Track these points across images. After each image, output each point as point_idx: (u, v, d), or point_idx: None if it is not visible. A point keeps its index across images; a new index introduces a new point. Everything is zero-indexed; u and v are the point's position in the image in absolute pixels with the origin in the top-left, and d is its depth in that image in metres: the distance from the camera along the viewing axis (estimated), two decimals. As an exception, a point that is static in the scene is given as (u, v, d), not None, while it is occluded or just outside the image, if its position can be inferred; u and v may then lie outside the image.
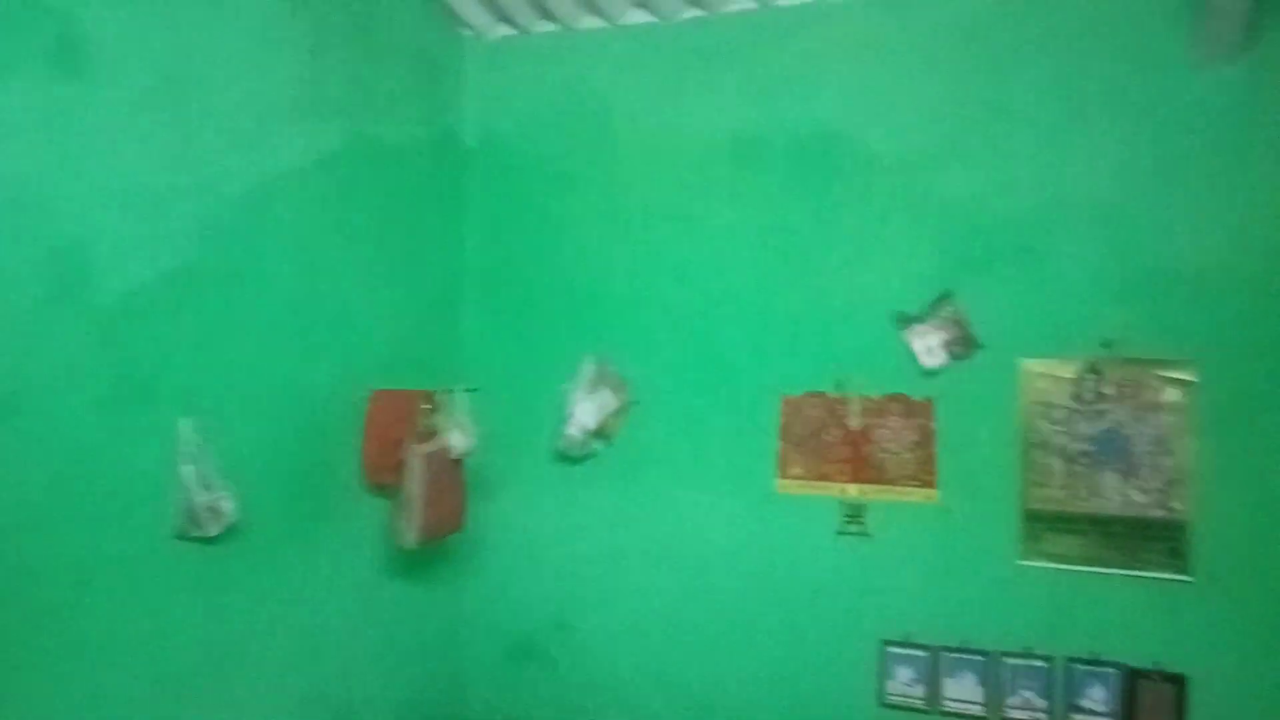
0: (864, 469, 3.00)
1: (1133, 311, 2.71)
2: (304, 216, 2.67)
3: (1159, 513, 2.70)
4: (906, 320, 2.95)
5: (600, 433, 3.24)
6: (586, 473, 3.31)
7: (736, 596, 3.14)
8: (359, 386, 2.85)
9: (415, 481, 2.83)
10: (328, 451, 2.76)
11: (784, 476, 3.09)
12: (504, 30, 3.43)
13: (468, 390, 3.09)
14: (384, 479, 2.87)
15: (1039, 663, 2.80)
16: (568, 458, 3.29)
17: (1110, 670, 2.75)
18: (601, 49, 3.31)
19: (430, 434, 2.95)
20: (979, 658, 2.86)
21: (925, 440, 2.94)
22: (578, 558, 3.33)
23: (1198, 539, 2.66)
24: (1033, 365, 2.82)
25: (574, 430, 3.21)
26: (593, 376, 3.22)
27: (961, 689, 2.86)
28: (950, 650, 2.89)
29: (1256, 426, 2.61)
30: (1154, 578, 2.70)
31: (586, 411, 3.20)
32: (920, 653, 2.91)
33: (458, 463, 3.01)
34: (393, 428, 2.88)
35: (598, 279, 3.31)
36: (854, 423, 3.02)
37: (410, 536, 2.85)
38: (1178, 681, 2.69)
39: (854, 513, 3.01)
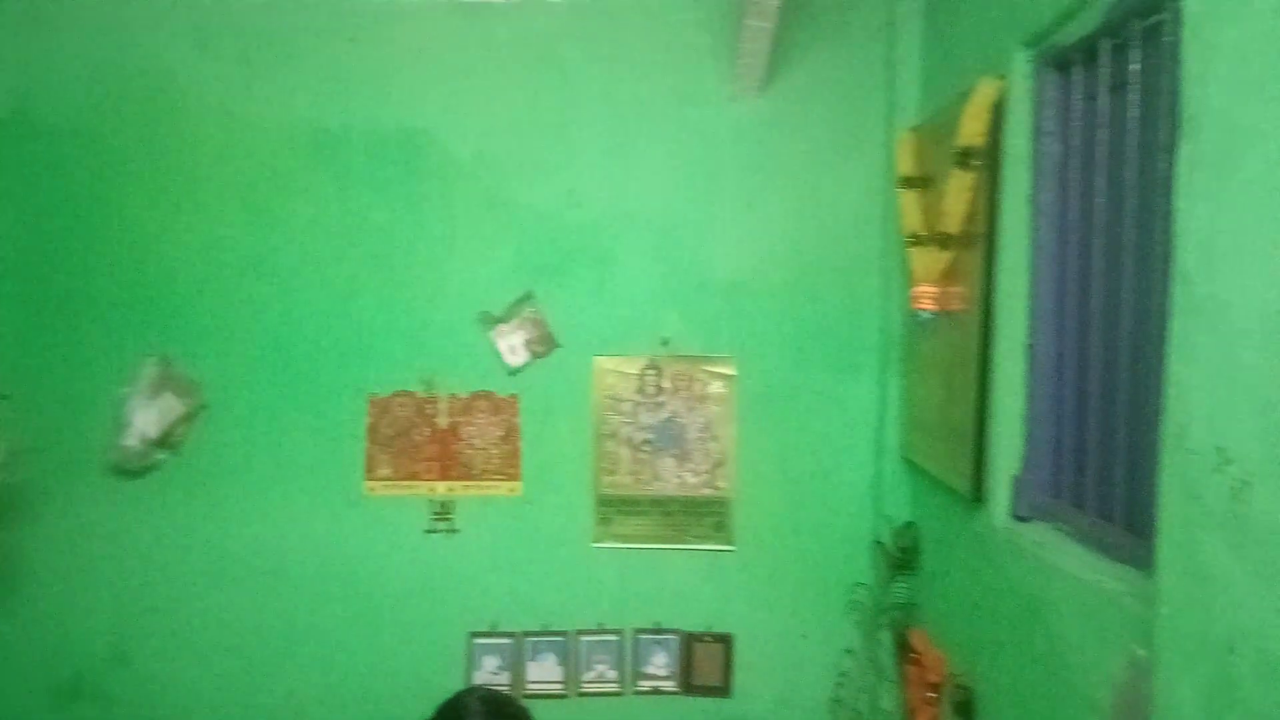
0: (453, 466, 3.05)
1: (685, 313, 3.04)
2: None
3: (708, 491, 3.05)
4: (491, 320, 3.04)
5: (164, 441, 2.96)
6: (148, 487, 3.00)
7: (323, 606, 3.04)
8: None
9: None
10: None
11: (371, 478, 3.05)
12: (42, -15, 3.00)
13: (-7, 398, 2.67)
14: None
15: (611, 637, 3.04)
16: (125, 471, 2.96)
17: (671, 636, 3.06)
18: (163, 18, 3.01)
19: (-61, 450, 2.51)
20: (559, 639, 3.04)
21: (510, 435, 3.06)
22: (139, 582, 3.02)
23: (738, 513, 3.05)
24: (604, 362, 3.05)
25: (132, 440, 2.90)
26: (154, 379, 2.93)
27: (543, 671, 3.02)
28: (532, 635, 3.03)
29: (781, 413, 3.05)
30: (704, 550, 3.05)
31: (147, 418, 2.91)
32: (505, 640, 3.03)
33: (-22, 482, 2.59)
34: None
35: (160, 272, 3.01)
36: (443, 421, 3.06)
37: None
38: (725, 640, 3.06)
39: (443, 510, 3.05)
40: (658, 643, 3.05)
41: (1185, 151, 1.27)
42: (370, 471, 3.04)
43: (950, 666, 2.47)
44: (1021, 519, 2.12)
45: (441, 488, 3.05)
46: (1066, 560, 1.84)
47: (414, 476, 3.05)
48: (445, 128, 3.02)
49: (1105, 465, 1.83)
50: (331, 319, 3.04)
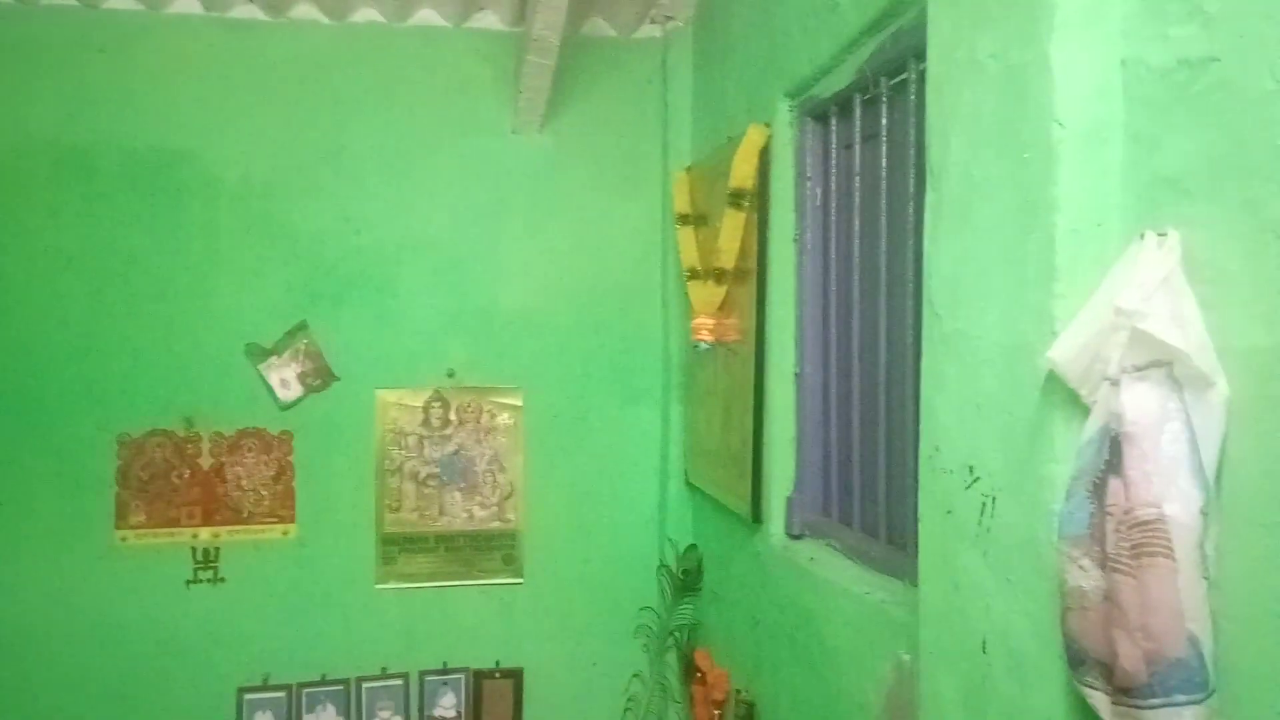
0: (218, 510, 2.84)
1: (471, 344, 3.00)
2: None
3: (496, 524, 3.02)
4: (261, 353, 2.87)
5: None
6: None
7: (73, 667, 2.73)
8: None
9: None
10: None
11: (124, 526, 2.78)
12: None
13: None
14: None
15: (395, 681, 2.93)
16: None
17: (458, 675, 2.99)
18: None
19: None
20: (338, 688, 2.89)
21: (283, 474, 2.89)
22: None
23: (527, 545, 3.04)
24: (387, 395, 2.95)
25: None
26: None
27: (322, 722, 2.86)
28: (309, 686, 2.87)
29: (568, 443, 3.07)
30: (493, 584, 3.01)
31: None
32: (278, 694, 2.84)
33: None
34: None
35: None
36: (205, 462, 2.84)
37: None
38: (515, 675, 3.03)
39: (206, 558, 2.83)
40: (445, 683, 2.97)
41: (930, 200, 1.42)
42: (122, 519, 2.77)
43: (733, 683, 2.57)
44: (795, 537, 2.25)
45: (205, 534, 2.83)
46: (836, 574, 1.97)
47: (174, 523, 2.81)
48: (208, 148, 2.83)
49: (868, 484, 1.99)
50: (73, 352, 2.76)
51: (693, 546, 2.98)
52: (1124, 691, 0.96)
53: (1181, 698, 0.92)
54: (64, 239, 2.75)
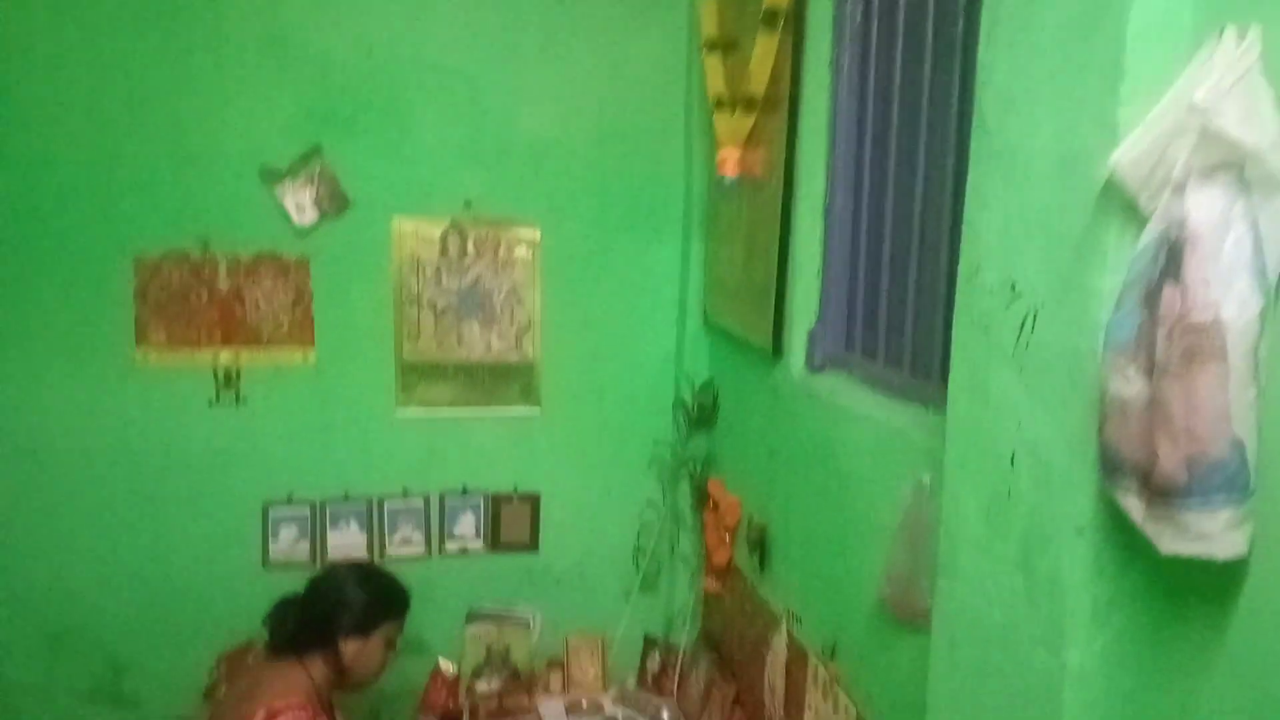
0: (237, 333, 2.85)
1: (488, 176, 2.93)
2: None
3: (514, 356, 3.04)
4: (275, 175, 2.81)
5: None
6: None
7: (97, 484, 2.80)
8: None
9: None
10: None
11: (144, 346, 2.79)
12: None
13: None
14: None
15: (415, 502, 3.02)
16: None
17: (477, 499, 3.07)
18: None
19: None
20: (360, 506, 2.98)
21: (302, 300, 2.88)
22: None
23: (544, 377, 3.07)
24: (404, 224, 2.91)
25: None
26: None
27: (345, 538, 2.96)
28: (331, 503, 2.95)
29: (586, 278, 3.05)
30: (510, 414, 3.06)
31: None
32: (302, 510, 2.93)
33: None
34: None
35: None
36: (224, 285, 2.83)
37: None
38: (532, 500, 3.11)
39: (228, 379, 2.86)
40: (464, 505, 3.06)
41: (987, 4, 1.34)
42: (141, 338, 2.78)
43: (746, 510, 2.64)
44: (816, 370, 2.26)
45: (225, 355, 2.85)
46: (857, 403, 1.99)
47: (193, 344, 2.82)
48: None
49: (895, 316, 1.97)
50: (84, 170, 2.69)
51: (709, 382, 3.00)
52: (1161, 494, 0.97)
53: (1220, 498, 0.93)
54: (65, 54, 2.63)
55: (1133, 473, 1.02)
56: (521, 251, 2.99)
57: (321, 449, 2.93)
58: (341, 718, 2.05)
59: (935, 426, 1.58)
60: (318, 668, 1.95)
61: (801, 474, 2.24)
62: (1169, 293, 0.97)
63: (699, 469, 2.99)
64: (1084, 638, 1.11)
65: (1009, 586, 1.23)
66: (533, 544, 3.11)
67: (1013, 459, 1.25)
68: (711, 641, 2.96)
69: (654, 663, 3.10)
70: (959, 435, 1.40)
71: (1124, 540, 1.10)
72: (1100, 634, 1.11)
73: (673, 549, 3.15)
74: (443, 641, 3.02)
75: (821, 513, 2.12)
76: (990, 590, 1.28)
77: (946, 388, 1.44)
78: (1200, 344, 0.93)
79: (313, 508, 2.93)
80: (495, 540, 3.09)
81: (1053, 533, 1.16)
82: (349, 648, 1.95)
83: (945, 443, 1.42)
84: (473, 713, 2.93)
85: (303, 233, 2.84)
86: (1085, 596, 1.11)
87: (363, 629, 1.97)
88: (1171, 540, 0.97)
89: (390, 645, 2.05)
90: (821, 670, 2.08)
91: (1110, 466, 1.05)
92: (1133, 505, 1.02)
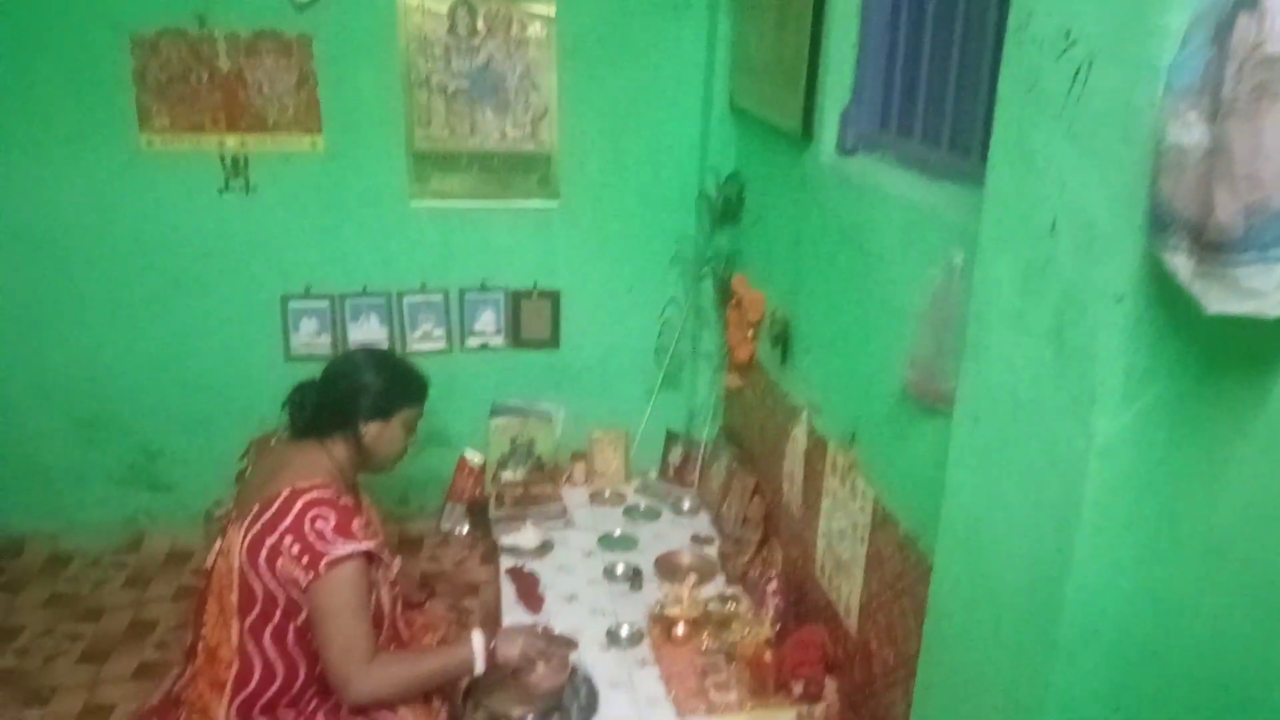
0: (242, 117, 2.74)
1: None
2: None
3: (530, 145, 2.91)
4: (271, -57, 2.61)
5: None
6: None
7: (108, 274, 2.79)
8: None
9: None
10: None
11: (148, 130, 2.70)
12: None
13: None
14: None
15: (435, 297, 2.98)
16: None
17: (497, 294, 3.03)
18: None
19: None
20: (380, 300, 2.95)
21: (306, 82, 2.74)
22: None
23: (562, 168, 2.94)
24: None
25: None
26: None
27: (366, 332, 2.95)
28: (351, 297, 2.93)
29: (605, 60, 2.86)
30: (528, 206, 2.96)
31: None
32: (322, 303, 2.91)
33: None
34: None
35: None
36: (224, 65, 2.69)
37: None
38: (553, 296, 3.07)
39: (236, 167, 2.77)
40: (484, 301, 3.02)
41: None
42: (145, 122, 2.68)
43: (770, 304, 2.57)
44: (848, 152, 2.13)
45: (232, 141, 2.75)
46: (890, 184, 1.87)
47: (198, 128, 2.72)
48: None
49: (935, 88, 1.82)
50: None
51: (734, 174, 2.86)
52: (1214, 249, 0.88)
53: (1278, 252, 0.84)
54: None
55: (1183, 229, 0.92)
56: (535, 29, 2.80)
57: (337, 241, 2.87)
58: (366, 498, 2.09)
59: (972, 203, 1.47)
60: (339, 449, 1.96)
61: (828, 263, 2.15)
62: (1243, 21, 0.84)
63: (723, 265, 2.91)
64: (1115, 407, 1.05)
65: (1039, 359, 1.17)
66: (553, 340, 3.09)
67: (1054, 225, 1.15)
68: (732, 435, 2.98)
69: (675, 456, 3.14)
70: (997, 204, 1.29)
71: (1163, 309, 1.02)
72: (1132, 404, 1.05)
73: (694, 346, 3.12)
74: (468, 434, 3.07)
75: (847, 302, 2.04)
76: (1018, 364, 1.22)
77: (986, 161, 1.33)
78: (1274, 78, 0.81)
79: (332, 301, 2.91)
80: (516, 336, 3.07)
81: (1089, 301, 1.08)
82: (369, 430, 1.96)
83: (981, 216, 1.32)
84: (499, 499, 3.01)
85: (302, 6, 2.66)
86: (1118, 366, 1.05)
87: (383, 412, 1.97)
88: (1220, 299, 0.88)
89: (410, 429, 2.05)
90: (840, 458, 2.07)
91: (1160, 224, 0.95)
92: (1180, 264, 0.93)
